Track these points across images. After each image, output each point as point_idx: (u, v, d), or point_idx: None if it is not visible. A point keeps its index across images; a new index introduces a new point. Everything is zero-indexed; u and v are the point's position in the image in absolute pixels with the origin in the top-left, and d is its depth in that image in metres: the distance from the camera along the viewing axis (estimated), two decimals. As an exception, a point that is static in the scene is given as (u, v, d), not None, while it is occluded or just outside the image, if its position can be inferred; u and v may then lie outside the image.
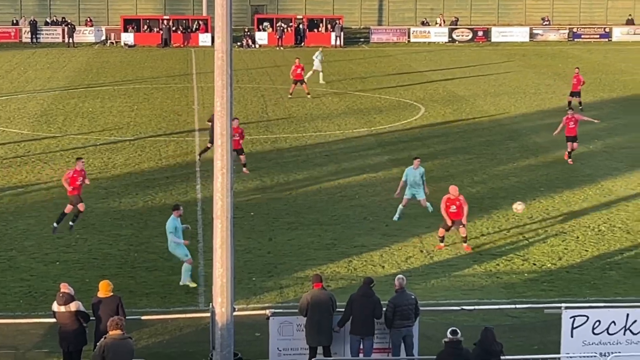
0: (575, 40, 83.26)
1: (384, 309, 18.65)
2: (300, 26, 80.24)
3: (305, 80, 51.45)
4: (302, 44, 78.99)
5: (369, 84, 57.22)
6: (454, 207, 25.67)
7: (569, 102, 46.80)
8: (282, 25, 79.18)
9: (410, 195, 28.46)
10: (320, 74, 56.55)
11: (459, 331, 16.82)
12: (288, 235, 27.55)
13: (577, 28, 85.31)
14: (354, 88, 55.29)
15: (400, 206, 28.67)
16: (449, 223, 25.70)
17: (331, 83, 56.13)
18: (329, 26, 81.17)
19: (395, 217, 28.68)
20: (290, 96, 50.69)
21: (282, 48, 77.02)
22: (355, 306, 18.63)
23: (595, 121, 37.59)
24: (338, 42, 78.92)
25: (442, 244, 26.14)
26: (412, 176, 28.31)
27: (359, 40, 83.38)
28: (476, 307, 20.30)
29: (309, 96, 50.77)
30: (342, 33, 79.97)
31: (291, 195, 31.80)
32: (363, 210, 30.04)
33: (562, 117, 36.90)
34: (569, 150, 36.03)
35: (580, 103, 46.85)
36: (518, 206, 27.34)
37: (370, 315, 18.60)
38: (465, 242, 26.06)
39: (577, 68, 49.42)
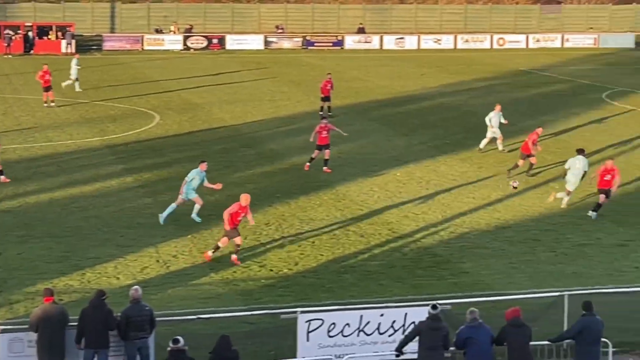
0: (309, 48, 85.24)
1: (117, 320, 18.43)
2: (29, 33, 78.16)
3: (59, 86, 50.90)
4: (31, 51, 77.01)
5: (102, 92, 56.38)
6: None
7: (322, 108, 47.94)
8: (10, 32, 76.81)
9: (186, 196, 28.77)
10: (76, 83, 55.63)
11: (181, 339, 17.02)
12: (18, 248, 26.68)
13: (311, 36, 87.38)
14: (87, 97, 54.31)
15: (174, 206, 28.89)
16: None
17: (61, 91, 54.82)
18: (59, 33, 79.41)
19: (194, 216, 28.97)
20: (45, 105, 49.76)
21: (10, 56, 74.75)
22: (87, 320, 18.26)
23: (344, 134, 38.33)
24: (69, 50, 77.28)
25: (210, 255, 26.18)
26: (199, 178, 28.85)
27: (91, 47, 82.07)
28: (213, 315, 20.29)
29: (52, 104, 49.77)
30: (73, 40, 78.40)
31: (21, 208, 30.84)
32: (97, 221, 29.51)
33: (299, 124, 37.60)
34: (313, 156, 36.54)
35: (329, 108, 48.03)
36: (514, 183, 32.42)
37: (103, 328, 18.29)
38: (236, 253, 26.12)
39: (329, 74, 50.71)
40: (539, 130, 37.15)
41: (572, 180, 31.85)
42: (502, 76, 67.49)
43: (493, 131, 40.12)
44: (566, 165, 32.22)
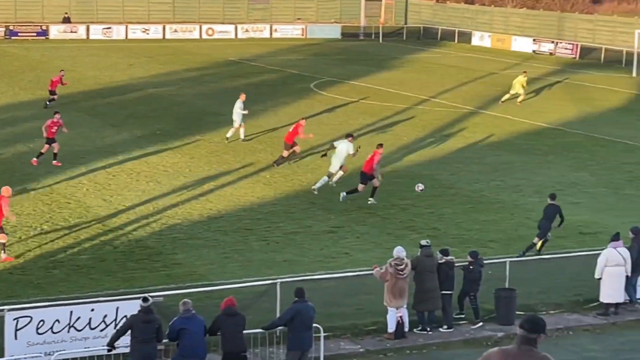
0: (13, 38, 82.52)
1: None
2: None
3: None
4: None
5: None
6: None
7: (50, 101, 46.73)
8: None
9: None
10: None
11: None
12: None
13: (14, 26, 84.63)
14: None
15: None
16: None
17: None
18: None
19: None
20: None
21: None
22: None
23: (65, 130, 36.97)
24: None
25: None
26: None
27: None
28: None
29: None
30: None
31: None
32: None
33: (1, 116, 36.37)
34: (42, 151, 35.38)
35: (51, 101, 46.84)
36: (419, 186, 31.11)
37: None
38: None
39: (62, 70, 49.78)
40: (303, 122, 37.55)
41: (334, 163, 33.21)
42: (212, 66, 67.91)
43: (235, 120, 40.40)
44: (335, 143, 34.10)
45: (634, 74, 66.80)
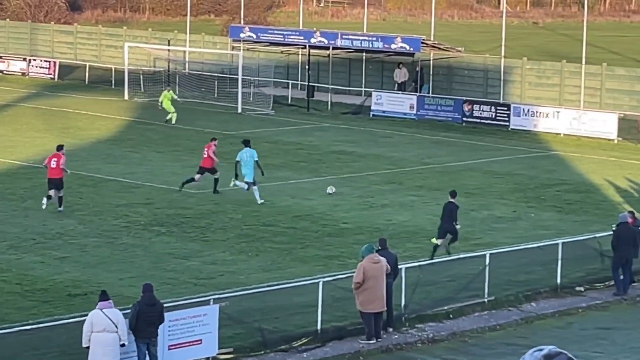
0: None
1: None
2: None
3: None
4: None
5: None
6: None
7: None
8: None
9: None
10: None
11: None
12: None
13: None
14: None
15: None
16: None
17: None
18: None
19: None
20: None
21: None
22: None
23: None
24: None
25: None
26: None
27: None
28: None
29: None
30: None
31: None
32: None
33: None
34: None
35: None
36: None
37: None
38: None
39: None
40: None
41: (247, 172, 38.71)
42: None
43: None
44: (237, 158, 40.01)
45: (126, 97, 68.35)
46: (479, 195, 42.87)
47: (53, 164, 38.79)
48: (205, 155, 41.64)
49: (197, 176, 41.63)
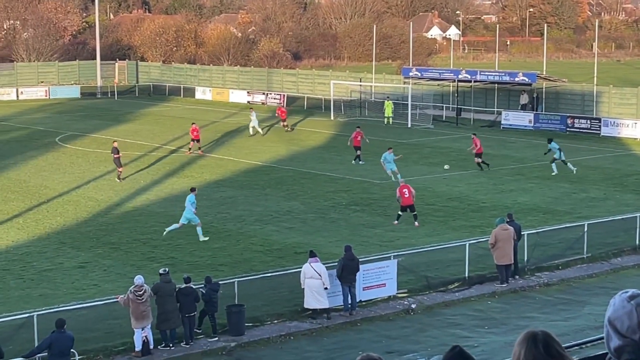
0: None
1: None
2: None
3: None
4: None
5: None
6: None
7: None
8: None
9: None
10: None
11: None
12: None
13: None
14: None
15: None
16: None
17: None
18: None
19: None
20: None
21: None
22: None
23: None
24: None
25: None
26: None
27: None
28: None
29: None
30: None
31: None
32: None
33: None
34: None
35: None
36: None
37: None
38: None
39: None
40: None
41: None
42: (-36, 127, 64.73)
43: None
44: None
45: (332, 117, 69.12)
46: (578, 183, 41.85)
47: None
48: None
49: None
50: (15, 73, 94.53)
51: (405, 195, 33.24)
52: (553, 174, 43.15)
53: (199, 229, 31.22)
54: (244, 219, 35.02)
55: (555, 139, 45.69)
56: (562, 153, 43.41)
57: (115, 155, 42.44)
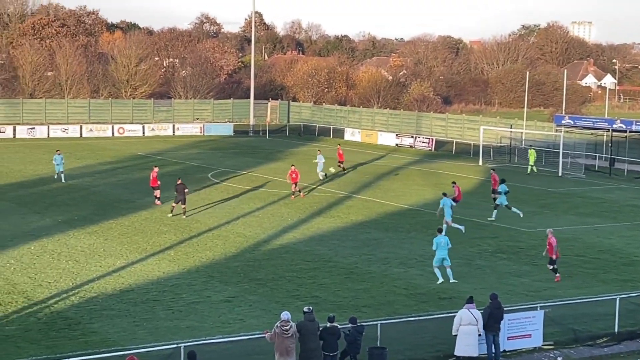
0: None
1: None
2: None
3: None
4: None
5: None
6: None
7: None
8: None
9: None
10: None
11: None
12: None
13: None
14: None
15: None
16: None
17: None
18: None
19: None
20: None
21: None
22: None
23: None
24: None
25: None
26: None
27: None
28: None
29: None
30: None
31: None
32: None
33: None
34: None
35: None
36: None
37: None
38: None
39: None
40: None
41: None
42: (123, 160, 67.36)
43: None
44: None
45: (480, 163, 68.49)
46: None
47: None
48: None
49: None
50: (173, 110, 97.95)
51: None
52: None
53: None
54: (388, 261, 34.97)
55: None
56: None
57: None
